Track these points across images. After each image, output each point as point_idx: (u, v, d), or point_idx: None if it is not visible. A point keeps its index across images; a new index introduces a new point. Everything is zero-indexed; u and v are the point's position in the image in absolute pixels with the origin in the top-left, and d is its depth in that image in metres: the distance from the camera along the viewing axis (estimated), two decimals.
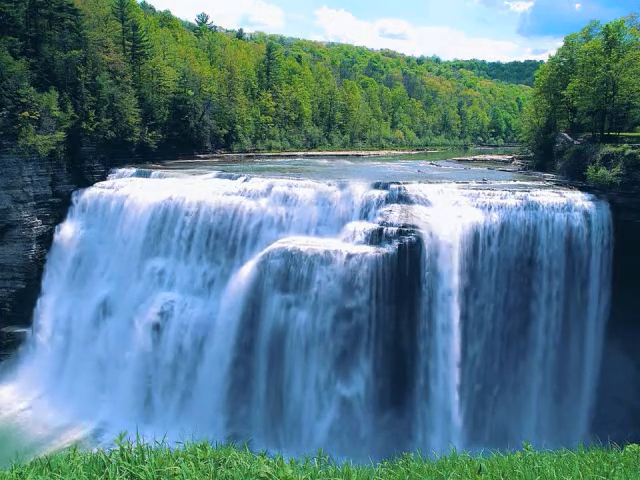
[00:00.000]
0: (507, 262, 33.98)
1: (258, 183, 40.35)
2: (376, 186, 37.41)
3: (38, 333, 44.03)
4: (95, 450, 7.38)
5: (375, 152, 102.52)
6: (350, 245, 34.10)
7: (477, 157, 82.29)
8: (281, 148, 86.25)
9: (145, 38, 61.93)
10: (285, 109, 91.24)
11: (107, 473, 6.24)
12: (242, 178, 42.33)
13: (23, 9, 49.01)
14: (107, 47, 55.34)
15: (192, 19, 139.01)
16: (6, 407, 39.93)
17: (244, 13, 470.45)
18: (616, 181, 35.34)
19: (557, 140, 48.89)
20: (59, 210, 46.67)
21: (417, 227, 33.35)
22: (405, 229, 33.45)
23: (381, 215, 35.11)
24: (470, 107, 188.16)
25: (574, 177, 41.02)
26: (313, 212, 37.00)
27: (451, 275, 32.94)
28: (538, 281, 34.18)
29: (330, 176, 43.54)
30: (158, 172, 47.65)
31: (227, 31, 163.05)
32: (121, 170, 49.81)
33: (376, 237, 33.91)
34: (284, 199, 38.02)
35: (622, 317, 33.51)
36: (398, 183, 37.27)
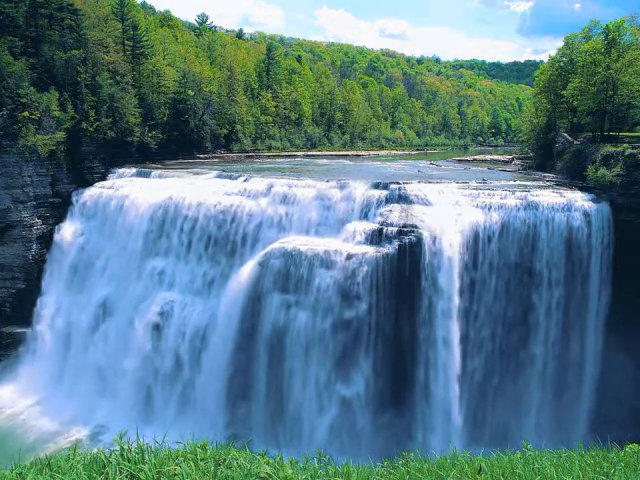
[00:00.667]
0: (507, 263, 33.96)
1: (258, 183, 40.35)
2: (376, 186, 37.41)
3: (38, 333, 44.03)
4: (95, 450, 7.37)
5: (375, 152, 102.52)
6: (350, 245, 34.10)
7: (477, 157, 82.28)
8: (281, 148, 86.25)
9: (145, 38, 61.93)
10: (285, 109, 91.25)
11: (107, 473, 6.23)
12: (242, 178, 42.33)
13: (23, 9, 49.00)
14: (107, 47, 55.34)
15: (192, 19, 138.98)
16: (6, 407, 39.94)
17: (244, 13, 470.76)
18: (616, 181, 35.34)
19: (557, 140, 48.89)
20: (59, 210, 46.67)
21: (417, 227, 33.35)
22: (405, 229, 33.45)
23: (381, 215, 35.11)
24: (470, 107, 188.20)
25: (574, 177, 41.02)
26: (313, 212, 36.99)
27: (451, 275, 32.93)
28: (538, 282, 34.16)
29: (330, 176, 43.53)
30: (158, 172, 47.65)
31: (227, 31, 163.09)
32: (121, 170, 49.81)
33: (376, 237, 33.91)
34: (284, 199, 38.02)
35: (622, 316, 33.51)
36: (398, 183, 37.27)
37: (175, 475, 6.18)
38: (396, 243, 33.11)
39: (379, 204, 35.89)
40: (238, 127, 76.72)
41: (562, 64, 51.88)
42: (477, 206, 34.98)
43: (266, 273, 34.60)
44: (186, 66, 67.58)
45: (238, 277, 36.09)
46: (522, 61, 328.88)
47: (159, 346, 38.45)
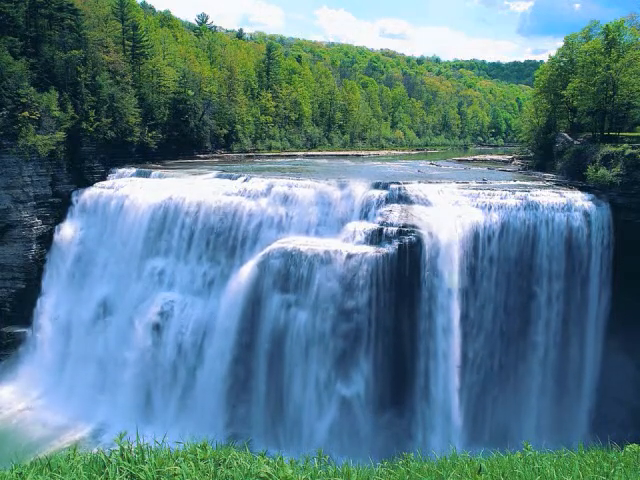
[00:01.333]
0: (507, 262, 33.98)
1: (258, 183, 40.34)
2: (376, 186, 37.41)
3: (38, 333, 44.03)
4: (95, 450, 7.38)
5: (375, 152, 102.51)
6: (350, 245, 34.10)
7: (477, 157, 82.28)
8: (281, 148, 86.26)
9: (145, 38, 61.93)
10: (285, 109, 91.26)
11: (107, 473, 6.24)
12: (242, 178, 42.33)
13: (23, 9, 48.99)
14: (107, 47, 55.33)
15: (192, 19, 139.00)
16: (6, 407, 39.94)
17: (244, 13, 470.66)
18: (616, 181, 35.34)
19: (557, 140, 48.90)
20: (59, 210, 46.66)
21: (417, 227, 33.34)
22: (405, 229, 33.45)
23: (381, 215, 35.11)
24: (470, 107, 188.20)
25: (574, 177, 41.03)
26: (313, 212, 36.99)
27: (451, 275, 32.93)
28: (538, 281, 34.17)
29: (330, 176, 43.52)
30: (158, 172, 47.65)
31: (227, 31, 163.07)
32: (121, 170, 49.80)
33: (376, 237, 33.91)
34: (284, 199, 38.02)
35: (622, 317, 33.51)
36: (398, 183, 37.27)
37: (175, 475, 6.18)
38: (396, 243, 33.11)
39: (379, 204, 35.89)
40: (238, 127, 76.72)
41: (562, 64, 51.89)
42: (477, 206, 34.98)
43: (266, 273, 34.60)
44: (186, 66, 67.58)
45: (238, 277, 36.09)
46: (522, 61, 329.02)
47: (159, 346, 38.44)
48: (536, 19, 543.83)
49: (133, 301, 40.30)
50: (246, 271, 35.64)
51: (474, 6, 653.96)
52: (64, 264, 44.90)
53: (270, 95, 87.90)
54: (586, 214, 34.42)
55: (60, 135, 45.97)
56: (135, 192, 43.27)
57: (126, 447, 6.71)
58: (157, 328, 38.64)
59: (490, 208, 34.63)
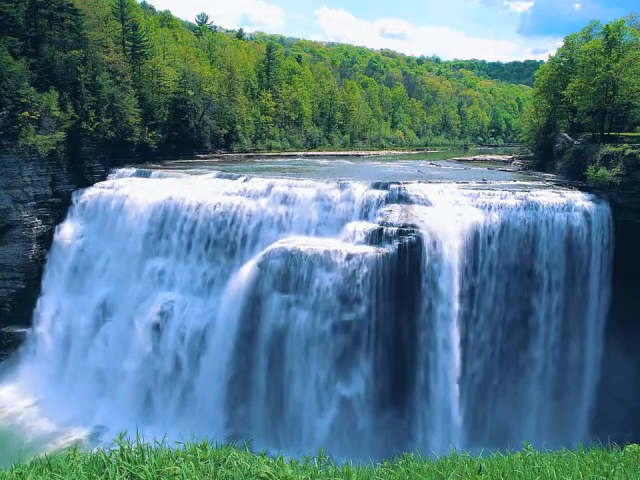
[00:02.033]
0: (507, 262, 33.96)
1: (258, 183, 40.34)
2: (376, 186, 37.41)
3: (38, 333, 44.02)
4: (95, 450, 7.37)
5: (375, 152, 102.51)
6: (350, 245, 34.09)
7: (477, 157, 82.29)
8: (281, 148, 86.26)
9: (145, 38, 61.93)
10: (285, 109, 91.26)
11: (107, 473, 6.23)
12: (242, 178, 42.33)
13: (23, 9, 49.00)
14: (107, 47, 55.34)
15: (192, 19, 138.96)
16: (6, 407, 39.94)
17: (244, 13, 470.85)
18: (616, 181, 35.34)
19: (557, 140, 48.90)
20: (59, 210, 46.67)
21: (417, 227, 33.34)
22: (405, 229, 33.44)
23: (381, 215, 35.10)
24: (470, 107, 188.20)
25: (574, 177, 41.03)
26: (313, 212, 36.98)
27: (451, 275, 32.93)
28: (538, 281, 34.16)
29: (330, 176, 43.52)
30: (158, 172, 47.64)
31: (227, 31, 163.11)
32: (121, 170, 49.80)
33: (376, 237, 33.90)
34: (284, 199, 38.02)
35: (622, 317, 33.51)
36: (398, 183, 37.27)
37: (175, 475, 6.18)
38: (396, 243, 33.11)
39: (379, 204, 35.88)
40: (238, 127, 76.73)
41: (562, 64, 51.89)
42: (477, 206, 34.98)
43: (266, 273, 34.59)
44: (186, 66, 67.58)
45: (238, 277, 36.09)
46: (522, 61, 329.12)
47: (159, 346, 38.44)
48: (536, 19, 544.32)
49: (133, 301, 40.29)
50: (246, 271, 35.64)
51: (474, 6, 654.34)
52: (64, 264, 44.89)
53: (270, 95, 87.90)
54: (586, 214, 34.42)
55: (60, 135, 45.97)
56: (135, 192, 43.27)
57: (126, 447, 6.71)
58: (157, 328, 38.63)
59: (490, 208, 34.62)
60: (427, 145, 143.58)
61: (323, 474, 7.08)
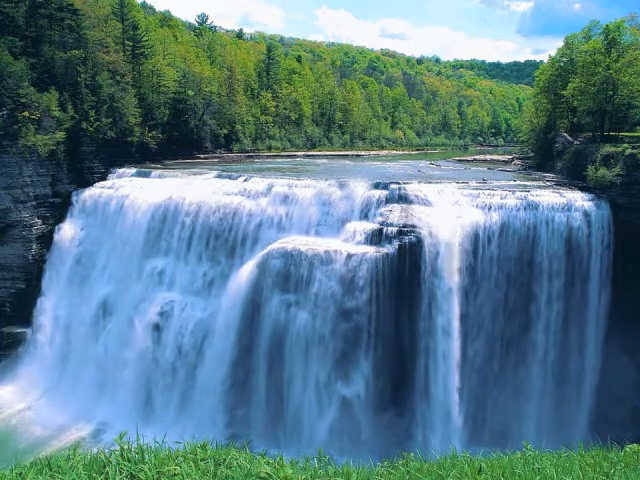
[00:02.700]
0: (507, 262, 33.97)
1: (258, 183, 40.34)
2: (376, 186, 37.40)
3: (38, 333, 44.02)
4: (95, 450, 7.37)
5: (375, 152, 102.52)
6: (350, 245, 34.09)
7: (477, 157, 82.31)
8: (281, 148, 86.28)
9: (145, 38, 61.93)
10: (285, 109, 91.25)
11: (107, 473, 6.23)
12: (242, 178, 42.32)
13: (23, 9, 49.00)
14: (107, 47, 55.33)
15: (192, 19, 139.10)
16: (6, 407, 39.93)
17: (244, 13, 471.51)
18: (616, 181, 35.34)
19: (557, 140, 48.90)
20: (59, 210, 46.66)
21: (417, 227, 33.33)
22: (405, 229, 33.44)
23: (381, 215, 35.10)
24: (470, 107, 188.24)
25: (574, 177, 41.03)
26: (313, 212, 36.98)
27: (451, 275, 32.92)
28: (538, 281, 34.17)
29: (330, 176, 43.51)
30: (158, 172, 47.66)
31: (227, 31, 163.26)
32: (121, 170, 49.81)
33: (376, 237, 33.89)
34: (284, 199, 38.01)
35: (622, 317, 33.51)
36: (398, 183, 37.27)
37: (175, 475, 6.18)
38: (396, 243, 33.10)
39: (379, 204, 35.88)
40: (238, 127, 76.73)
41: (562, 64, 51.91)
42: (477, 206, 34.97)
43: (266, 273, 34.58)
44: (186, 66, 67.58)
45: (238, 277, 36.08)
46: (522, 61, 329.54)
47: (159, 346, 38.43)
48: (536, 19, 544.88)
49: (133, 301, 40.28)
50: (246, 271, 35.63)
51: (474, 6, 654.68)
52: (64, 264, 44.89)
53: (270, 95, 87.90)
54: (586, 214, 34.41)
55: (60, 135, 45.96)
56: (135, 192, 43.26)
57: (126, 447, 6.71)
58: (157, 328, 38.62)
59: (490, 208, 34.61)
60: (427, 145, 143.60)
61: (323, 474, 7.08)
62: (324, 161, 70.84)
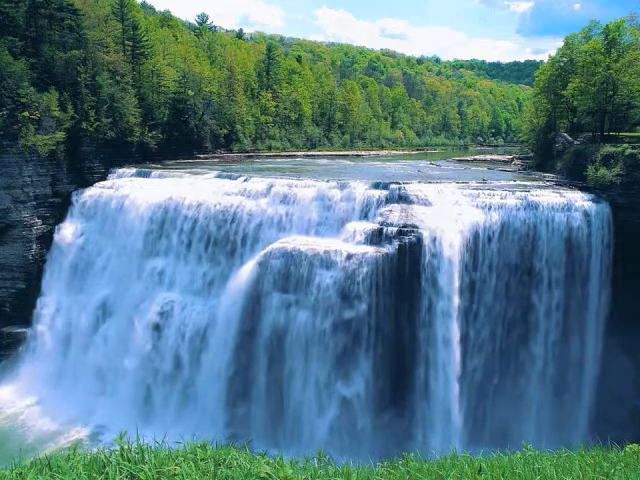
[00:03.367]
0: (507, 263, 33.95)
1: (258, 183, 40.34)
2: (376, 186, 37.41)
3: (38, 333, 44.01)
4: (95, 450, 7.37)
5: (375, 152, 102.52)
6: (350, 245, 34.09)
7: (477, 157, 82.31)
8: (281, 148, 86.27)
9: (145, 38, 61.93)
10: (285, 109, 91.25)
11: (107, 473, 6.23)
12: (242, 178, 42.33)
13: (23, 9, 48.99)
14: (107, 47, 55.32)
15: (192, 19, 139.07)
16: (6, 407, 39.93)
17: (244, 13, 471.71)
18: (616, 181, 35.34)
19: (557, 140, 48.90)
20: (59, 210, 46.65)
21: (417, 227, 33.34)
22: (405, 229, 33.44)
23: (381, 215, 35.10)
24: (470, 107, 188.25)
25: (574, 177, 41.03)
26: (313, 212, 36.98)
27: (451, 275, 32.92)
28: (538, 281, 34.16)
29: (330, 176, 43.52)
30: (158, 172, 47.66)
31: (227, 31, 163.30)
32: (121, 170, 49.81)
33: (376, 237, 33.90)
34: (284, 199, 38.01)
35: (622, 316, 33.50)
36: (398, 183, 37.27)
37: (175, 475, 6.18)
38: (396, 243, 33.10)
39: (379, 204, 35.89)
40: (238, 127, 76.73)
41: (562, 64, 51.92)
42: (477, 206, 34.97)
43: (266, 273, 34.58)
44: (186, 66, 67.57)
45: (238, 277, 36.08)
46: (522, 61, 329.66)
47: (159, 346, 38.43)
48: (536, 19, 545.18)
49: (133, 301, 40.28)
50: (246, 271, 35.63)
51: (474, 6, 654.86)
52: (64, 264, 44.88)
53: (270, 95, 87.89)
54: (586, 214, 34.41)
55: (60, 135, 45.95)
56: (135, 192, 43.26)
57: (126, 447, 6.71)
58: (157, 328, 38.62)
59: (490, 208, 34.61)
60: (427, 145, 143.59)
61: (323, 474, 7.08)
62: (324, 161, 70.85)
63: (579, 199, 35.37)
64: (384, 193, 36.44)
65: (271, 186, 39.19)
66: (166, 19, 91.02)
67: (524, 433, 33.36)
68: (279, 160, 70.58)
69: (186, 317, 38.05)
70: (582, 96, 45.01)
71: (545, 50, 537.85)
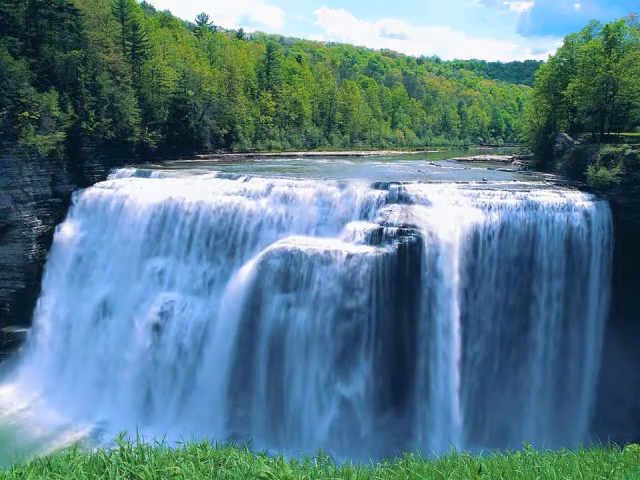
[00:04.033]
0: (507, 262, 33.96)
1: (258, 183, 40.34)
2: (376, 186, 37.41)
3: (38, 333, 44.00)
4: (95, 450, 7.37)
5: (375, 152, 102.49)
6: (350, 245, 34.09)
7: (477, 157, 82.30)
8: (281, 148, 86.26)
9: (145, 38, 61.92)
10: (285, 109, 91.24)
11: (107, 473, 6.23)
12: (242, 178, 42.32)
13: (23, 9, 49.00)
14: (107, 47, 55.32)
15: (192, 19, 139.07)
16: (6, 407, 39.92)
17: (244, 13, 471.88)
18: (616, 181, 35.35)
19: (557, 140, 48.90)
20: (59, 210, 46.64)
21: (417, 227, 33.34)
22: (405, 229, 33.44)
23: (381, 215, 35.11)
24: (470, 107, 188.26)
25: (574, 177, 41.02)
26: (313, 212, 36.98)
27: (451, 275, 32.93)
28: (538, 281, 34.17)
29: (330, 176, 43.52)
30: (158, 172, 47.65)
31: (227, 31, 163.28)
32: (121, 170, 49.80)
33: (376, 237, 33.90)
34: (284, 199, 38.01)
35: (622, 316, 33.51)
36: (398, 183, 37.27)
37: (175, 475, 6.18)
38: (396, 243, 33.10)
39: (379, 204, 35.89)
40: (238, 127, 76.72)
41: (562, 64, 51.91)
42: (477, 206, 34.97)
43: (266, 273, 34.58)
44: (186, 66, 67.57)
45: (238, 277, 36.08)
46: (522, 61, 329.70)
47: (159, 346, 38.42)
48: (536, 19, 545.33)
49: (133, 301, 40.27)
50: (246, 271, 35.64)
51: (474, 6, 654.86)
52: (64, 264, 44.87)
53: (270, 95, 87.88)
54: (586, 214, 34.41)
55: (60, 135, 45.93)
56: (135, 192, 43.25)
57: (126, 447, 6.71)
58: (157, 328, 38.62)
59: (490, 208, 34.61)
60: (427, 145, 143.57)
61: (323, 474, 7.08)
62: (324, 161, 70.85)
63: (579, 199, 35.37)
64: (384, 193, 36.44)
65: (271, 186, 39.19)
66: (166, 19, 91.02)
67: (524, 433, 33.36)
68: (279, 160, 70.58)
69: (186, 317, 38.05)
70: (582, 96, 45.01)
71: (545, 50, 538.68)
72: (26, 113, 43.37)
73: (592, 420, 34.38)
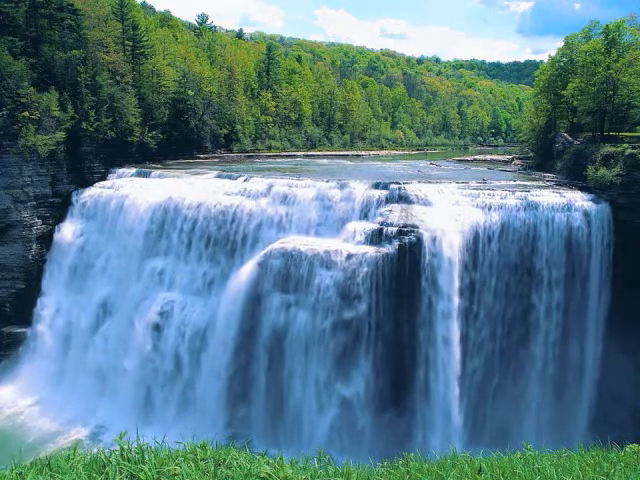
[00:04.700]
0: (507, 262, 33.94)
1: (258, 183, 40.34)
2: (376, 186, 37.40)
3: (38, 333, 44.01)
4: (95, 450, 7.37)
5: (375, 152, 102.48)
6: (350, 245, 34.09)
7: (477, 157, 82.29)
8: (281, 148, 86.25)
9: (145, 38, 61.93)
10: (285, 109, 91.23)
11: (107, 473, 6.23)
12: (242, 178, 42.33)
13: (23, 9, 49.00)
14: (107, 47, 55.32)
15: (192, 19, 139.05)
16: (6, 407, 39.93)
17: (244, 13, 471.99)
18: (616, 181, 35.34)
19: (557, 140, 48.89)
20: (59, 210, 46.64)
21: (417, 227, 33.33)
22: (405, 229, 33.44)
23: (381, 215, 35.10)
24: (470, 107, 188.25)
25: (574, 177, 41.02)
26: (313, 212, 36.98)
27: (451, 275, 32.92)
28: (538, 281, 34.15)
29: (330, 176, 43.51)
30: (158, 172, 47.65)
31: (227, 31, 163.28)
32: (121, 170, 49.81)
33: (376, 237, 33.89)
34: (284, 199, 38.01)
35: (622, 316, 33.50)
36: (398, 183, 37.27)
37: (175, 475, 6.18)
38: (396, 243, 33.09)
39: (379, 204, 35.88)
40: (238, 127, 76.71)
41: (562, 64, 51.91)
42: (477, 206, 34.97)
43: (266, 273, 34.58)
44: (186, 66, 67.57)
45: (238, 277, 36.08)
46: (522, 61, 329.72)
47: (159, 346, 38.43)
48: (536, 19, 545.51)
49: (133, 301, 40.27)
50: (246, 271, 35.63)
51: (474, 6, 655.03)
52: (64, 264, 44.87)
53: (270, 95, 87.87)
54: (586, 214, 34.41)
55: (60, 135, 45.93)
56: (135, 192, 43.25)
57: (126, 447, 6.71)
58: (157, 328, 38.62)
59: (490, 208, 34.61)
60: (427, 145, 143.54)
61: (323, 474, 7.08)
62: (324, 161, 70.85)
63: (579, 199, 35.37)
64: (384, 193, 36.43)
65: (271, 186, 39.19)
66: (166, 19, 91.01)
67: (524, 433, 33.35)
68: (279, 160, 70.58)
69: (186, 317, 38.04)
70: (582, 96, 45.00)
71: (545, 50, 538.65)
72: (26, 113, 43.38)
73: (592, 420, 34.38)
